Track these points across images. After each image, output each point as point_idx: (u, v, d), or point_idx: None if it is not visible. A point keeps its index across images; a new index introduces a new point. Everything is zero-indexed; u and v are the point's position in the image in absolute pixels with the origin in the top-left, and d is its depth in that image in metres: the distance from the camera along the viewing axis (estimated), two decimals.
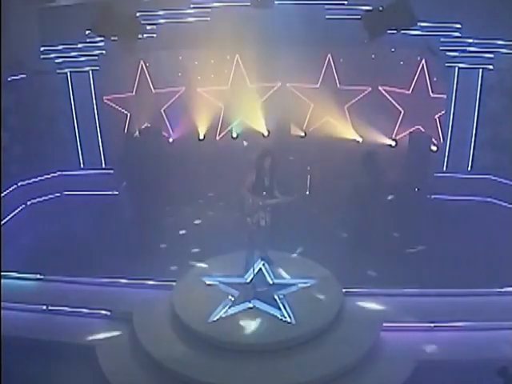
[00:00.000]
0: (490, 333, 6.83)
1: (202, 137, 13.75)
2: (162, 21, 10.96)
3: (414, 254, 8.83)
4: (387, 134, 13.24)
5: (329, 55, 13.29)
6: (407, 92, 12.82)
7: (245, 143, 12.48)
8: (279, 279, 7.50)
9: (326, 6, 10.92)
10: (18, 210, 10.74)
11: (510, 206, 10.35)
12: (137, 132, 12.89)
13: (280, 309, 6.82)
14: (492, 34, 9.93)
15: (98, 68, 11.03)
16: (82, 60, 10.95)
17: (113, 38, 8.28)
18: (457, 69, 10.56)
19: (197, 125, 13.68)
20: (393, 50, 12.23)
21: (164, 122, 13.67)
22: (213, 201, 11.00)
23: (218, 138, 13.98)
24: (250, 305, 6.92)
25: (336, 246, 8.92)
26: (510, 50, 9.99)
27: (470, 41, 10.25)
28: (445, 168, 11.04)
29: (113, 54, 10.67)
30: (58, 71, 10.97)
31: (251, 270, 7.39)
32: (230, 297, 7.09)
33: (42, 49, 10.73)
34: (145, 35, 8.96)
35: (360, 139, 13.52)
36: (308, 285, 7.36)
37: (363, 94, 13.37)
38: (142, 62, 13.08)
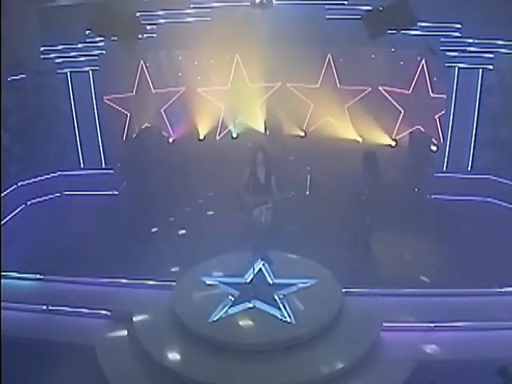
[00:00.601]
0: (490, 333, 6.83)
1: (202, 137, 13.76)
2: (161, 21, 10.96)
3: (414, 254, 8.82)
4: (387, 133, 13.25)
5: (329, 55, 13.30)
6: (407, 92, 12.82)
7: (250, 144, 12.49)
8: (279, 279, 7.50)
9: (326, 6, 10.92)
10: (18, 210, 10.75)
11: (509, 205, 10.36)
12: (137, 132, 12.89)
13: (280, 309, 6.81)
14: (492, 34, 9.93)
15: (97, 68, 11.03)
16: (81, 60, 10.95)
17: (113, 38, 8.28)
18: (457, 69, 10.56)
19: (197, 125, 13.70)
20: (393, 50, 12.24)
21: (164, 122, 13.68)
22: (213, 201, 11.00)
23: (217, 138, 13.99)
24: (250, 305, 6.92)
25: (336, 245, 8.92)
26: (510, 49, 9.99)
27: (470, 41, 10.25)
28: (445, 168, 11.04)
29: (113, 54, 10.67)
30: (58, 71, 10.97)
31: (251, 269, 7.40)
32: (229, 297, 7.09)
33: (42, 49, 10.73)
34: (145, 35, 8.94)
35: (360, 139, 13.53)
36: (308, 285, 7.35)
37: (363, 94, 13.38)
38: (141, 62, 13.10)
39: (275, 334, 6.46)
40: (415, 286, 7.62)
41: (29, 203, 11.02)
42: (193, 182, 11.38)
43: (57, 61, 10.89)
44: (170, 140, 13.69)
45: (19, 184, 10.79)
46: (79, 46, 10.78)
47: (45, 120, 11.10)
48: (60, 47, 10.80)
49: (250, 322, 6.67)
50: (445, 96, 10.97)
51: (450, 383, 6.11)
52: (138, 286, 7.83)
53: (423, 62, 12.36)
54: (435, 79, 12.15)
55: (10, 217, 10.37)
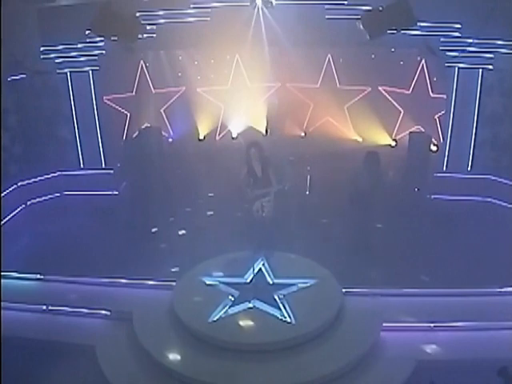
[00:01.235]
0: (490, 333, 6.82)
1: (201, 137, 13.78)
2: (161, 21, 10.95)
3: (414, 254, 8.82)
4: (387, 133, 13.27)
5: (329, 55, 13.33)
6: (407, 92, 12.85)
7: (242, 141, 12.53)
8: (279, 279, 7.50)
9: (326, 6, 10.91)
10: (18, 210, 10.75)
11: (510, 205, 10.35)
12: (137, 132, 12.90)
13: (280, 309, 6.81)
14: (492, 34, 9.92)
15: (97, 68, 11.02)
16: (81, 60, 10.94)
17: (113, 38, 8.28)
18: (457, 69, 10.55)
19: (197, 125, 13.72)
20: (393, 50, 12.26)
21: (164, 122, 13.69)
22: (213, 201, 11.00)
23: (217, 138, 14.00)
24: (250, 305, 6.91)
25: (336, 245, 8.92)
26: (510, 49, 9.99)
27: (470, 41, 10.24)
28: (445, 168, 11.04)
29: (113, 54, 10.67)
30: (58, 71, 10.96)
31: (251, 269, 7.40)
32: (230, 297, 7.09)
33: (42, 49, 10.73)
34: (145, 35, 8.95)
35: (360, 139, 13.54)
36: (308, 285, 7.35)
37: (363, 93, 13.40)
38: (141, 62, 13.11)
39: (275, 334, 6.46)
40: (415, 285, 7.61)
41: (29, 203, 11.02)
42: (193, 181, 11.38)
43: (57, 61, 10.88)
44: (170, 140, 13.71)
45: (19, 184, 10.79)
46: (79, 46, 10.77)
47: (45, 120, 11.10)
48: (60, 47, 10.79)
49: (250, 322, 6.67)
50: (445, 96, 10.97)
51: (450, 383, 6.11)
52: (138, 285, 7.83)
53: (423, 62, 12.38)
54: (435, 79, 12.17)
55: (10, 217, 10.37)
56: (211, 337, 6.47)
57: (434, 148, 11.72)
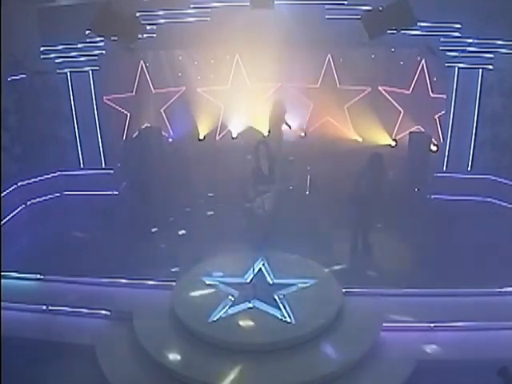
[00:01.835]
0: (489, 333, 6.83)
1: (201, 137, 13.77)
2: (161, 21, 10.95)
3: (414, 254, 8.83)
4: (387, 133, 13.26)
5: (329, 55, 13.33)
6: (407, 92, 12.84)
7: (242, 142, 12.56)
8: (279, 279, 7.50)
9: (326, 6, 10.92)
10: (18, 210, 10.74)
11: (510, 205, 10.35)
12: (137, 132, 12.90)
13: (280, 309, 6.81)
14: (492, 34, 9.92)
15: (97, 68, 11.02)
16: (81, 60, 10.93)
17: (113, 38, 8.27)
18: (457, 69, 10.55)
19: (197, 125, 13.71)
20: (393, 50, 12.26)
21: (164, 122, 13.69)
22: (213, 201, 10.99)
23: (217, 138, 14.00)
24: (250, 305, 6.92)
25: (336, 245, 8.92)
26: (510, 49, 9.99)
27: (470, 41, 10.24)
28: (445, 168, 11.03)
29: (113, 54, 10.67)
30: (58, 71, 10.96)
31: (251, 269, 7.40)
32: (229, 297, 7.09)
33: (42, 49, 10.73)
34: (145, 35, 8.94)
35: (360, 139, 13.54)
36: (308, 285, 7.36)
37: (363, 93, 13.40)
38: (141, 62, 13.10)
39: (275, 334, 6.46)
40: (415, 285, 7.61)
41: (29, 203, 11.01)
42: (193, 181, 11.37)
43: (57, 61, 10.88)
44: (170, 140, 13.70)
45: (19, 184, 10.78)
46: (79, 45, 10.78)
47: (45, 120, 11.09)
48: (60, 47, 10.78)
49: (250, 322, 6.67)
50: (445, 96, 10.97)
51: (450, 383, 6.12)
52: (138, 285, 7.83)
53: (423, 62, 12.37)
54: (435, 79, 12.16)
55: (10, 217, 10.36)
56: (211, 337, 6.48)
57: (434, 148, 11.72)
